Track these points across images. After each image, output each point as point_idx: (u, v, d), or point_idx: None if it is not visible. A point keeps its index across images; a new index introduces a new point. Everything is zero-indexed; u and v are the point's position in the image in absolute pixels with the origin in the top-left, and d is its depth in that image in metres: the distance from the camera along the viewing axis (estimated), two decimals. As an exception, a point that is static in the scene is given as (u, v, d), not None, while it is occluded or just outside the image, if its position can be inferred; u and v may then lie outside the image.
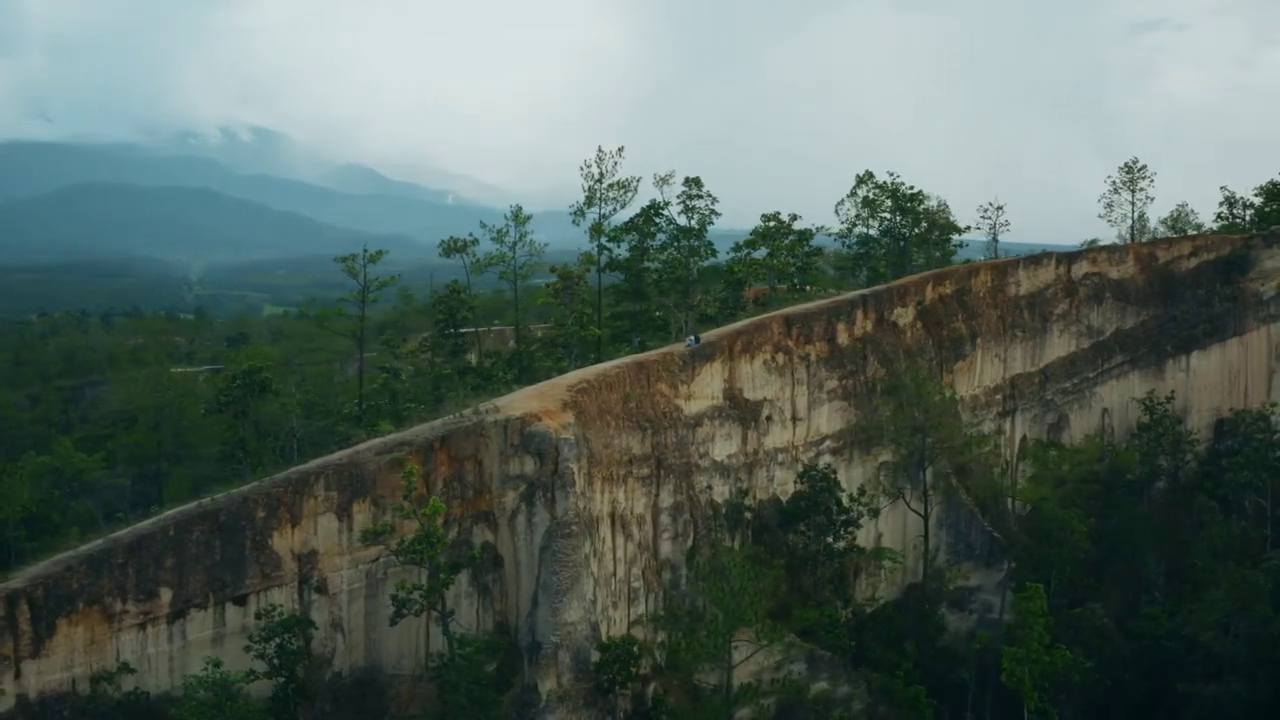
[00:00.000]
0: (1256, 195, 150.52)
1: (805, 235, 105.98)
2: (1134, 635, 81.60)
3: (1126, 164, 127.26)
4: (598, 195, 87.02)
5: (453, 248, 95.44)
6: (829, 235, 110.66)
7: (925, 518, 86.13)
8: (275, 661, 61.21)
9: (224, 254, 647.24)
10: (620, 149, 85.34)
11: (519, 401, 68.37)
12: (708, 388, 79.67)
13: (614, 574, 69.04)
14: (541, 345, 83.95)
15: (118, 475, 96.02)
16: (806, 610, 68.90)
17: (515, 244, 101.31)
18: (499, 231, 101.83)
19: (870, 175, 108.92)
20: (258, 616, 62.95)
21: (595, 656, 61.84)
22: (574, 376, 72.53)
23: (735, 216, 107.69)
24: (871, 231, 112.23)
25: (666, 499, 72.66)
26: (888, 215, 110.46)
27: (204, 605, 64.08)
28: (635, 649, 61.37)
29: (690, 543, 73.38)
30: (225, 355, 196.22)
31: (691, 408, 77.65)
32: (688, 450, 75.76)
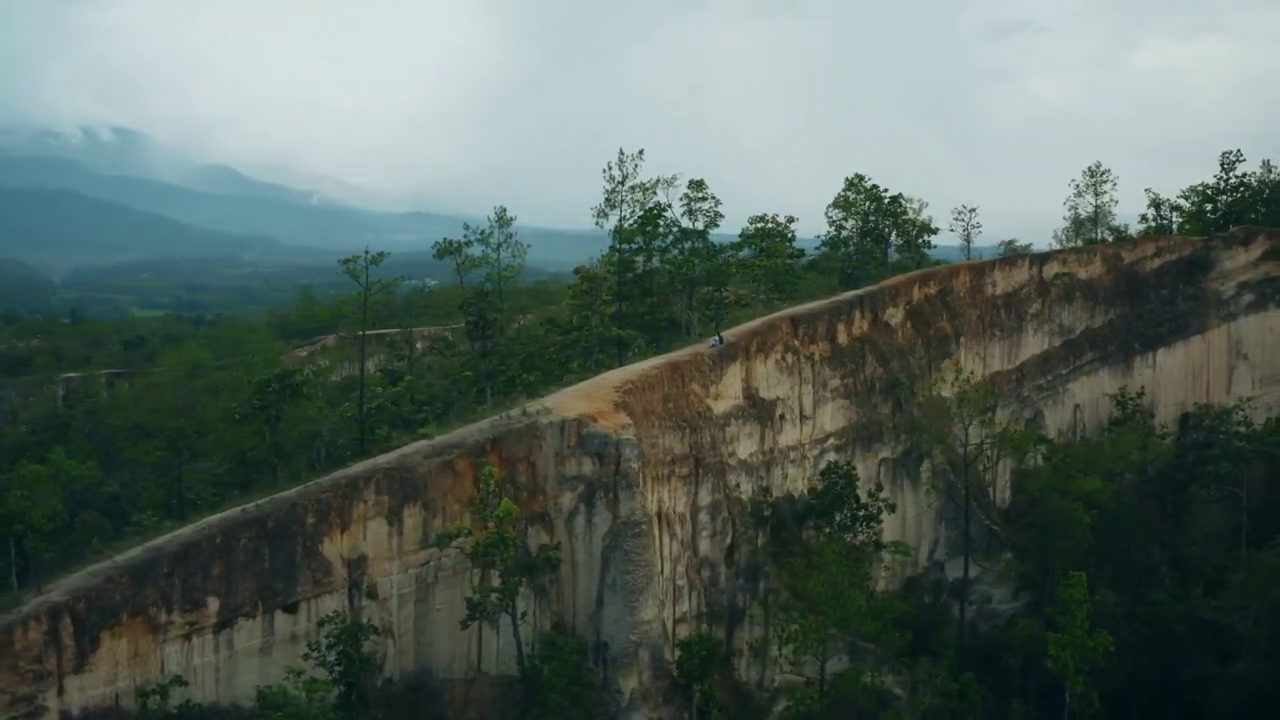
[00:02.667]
0: (1183, 197, 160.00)
1: (788, 236, 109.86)
2: (1143, 621, 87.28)
3: (1090, 168, 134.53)
4: (618, 198, 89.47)
5: (446, 250, 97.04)
6: (816, 238, 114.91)
7: (965, 510, 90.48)
8: (338, 669, 62.17)
9: (87, 256, 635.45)
10: (640, 152, 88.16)
11: (568, 402, 70.51)
12: (731, 388, 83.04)
13: (661, 572, 71.55)
14: (560, 346, 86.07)
15: (111, 483, 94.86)
16: (894, 602, 72.33)
17: (500, 246, 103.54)
18: (484, 234, 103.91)
19: (861, 178, 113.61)
20: (320, 624, 63.88)
21: (667, 654, 64.39)
22: (617, 377, 74.98)
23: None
24: (846, 233, 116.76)
25: (705, 498, 75.56)
26: (873, 217, 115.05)
27: (253, 614, 64.67)
28: (713, 646, 64.05)
29: (729, 540, 76.37)
30: (130, 359, 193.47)
31: (719, 407, 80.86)
32: (720, 449, 78.83)
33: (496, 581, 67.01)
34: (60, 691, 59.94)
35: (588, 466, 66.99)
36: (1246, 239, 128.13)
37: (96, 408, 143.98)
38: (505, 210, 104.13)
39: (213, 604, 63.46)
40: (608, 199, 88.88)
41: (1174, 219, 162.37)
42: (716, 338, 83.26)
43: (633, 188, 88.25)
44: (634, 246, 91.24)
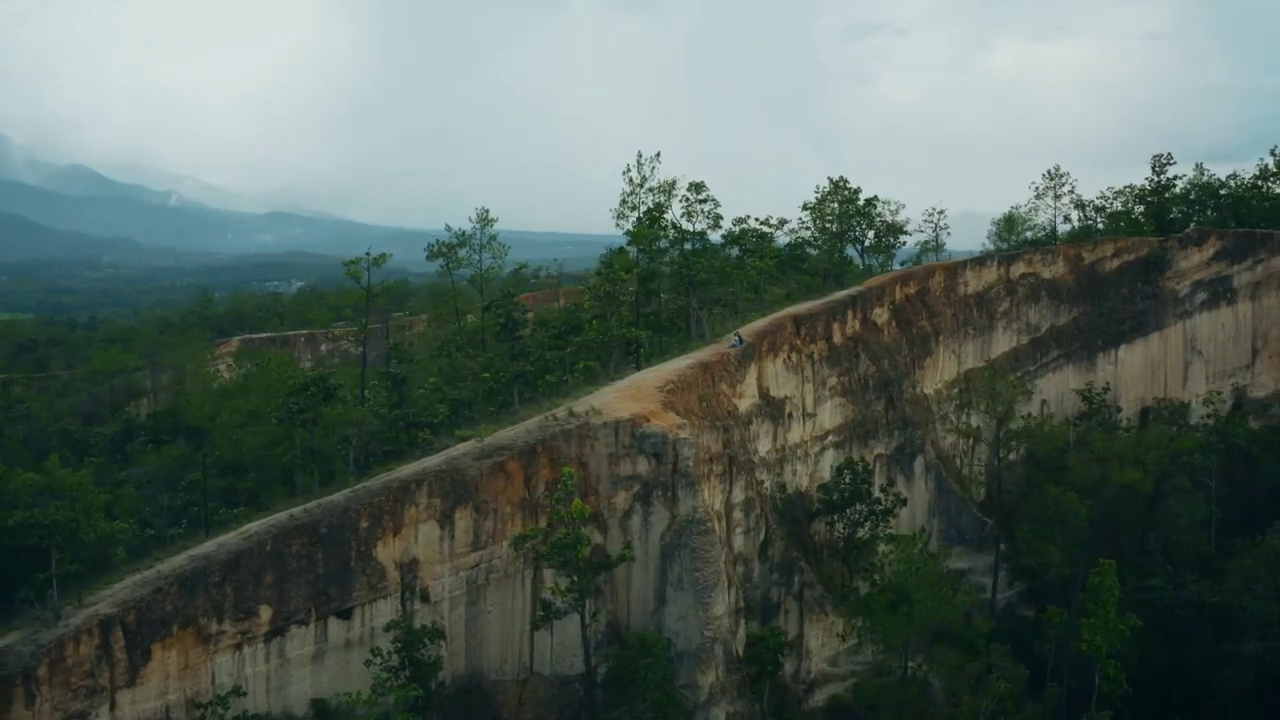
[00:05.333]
0: (1107, 199, 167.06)
1: (768, 238, 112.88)
2: (1145, 606, 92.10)
3: (1049, 171, 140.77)
4: (636, 200, 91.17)
5: (438, 252, 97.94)
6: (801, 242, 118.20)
7: (1000, 502, 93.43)
8: (407, 673, 62.74)
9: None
10: (658, 154, 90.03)
11: (614, 403, 71.99)
12: (750, 387, 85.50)
13: (704, 569, 73.49)
14: (577, 348, 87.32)
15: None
16: (966, 594, 75.47)
17: (482, 247, 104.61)
18: (465, 235, 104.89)
19: (845, 181, 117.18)
20: (388, 628, 64.48)
21: (735, 649, 66.43)
22: (655, 377, 76.67)
23: (466, 218, 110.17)
24: (819, 234, 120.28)
25: (738, 495, 77.70)
26: (835, 220, 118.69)
27: (306, 621, 64.82)
28: (781, 639, 66.34)
29: (763, 536, 78.72)
30: (20, 363, 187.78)
31: (743, 406, 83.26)
32: (747, 448, 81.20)
33: (549, 582, 68.68)
34: (112, 706, 59.43)
35: (643, 466, 68.65)
36: (1200, 239, 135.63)
37: (29, 413, 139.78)
38: (488, 211, 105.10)
39: (265, 612, 63.46)
40: (624, 201, 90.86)
41: (1098, 220, 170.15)
42: (737, 338, 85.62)
43: (649, 190, 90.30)
44: (640, 248, 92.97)
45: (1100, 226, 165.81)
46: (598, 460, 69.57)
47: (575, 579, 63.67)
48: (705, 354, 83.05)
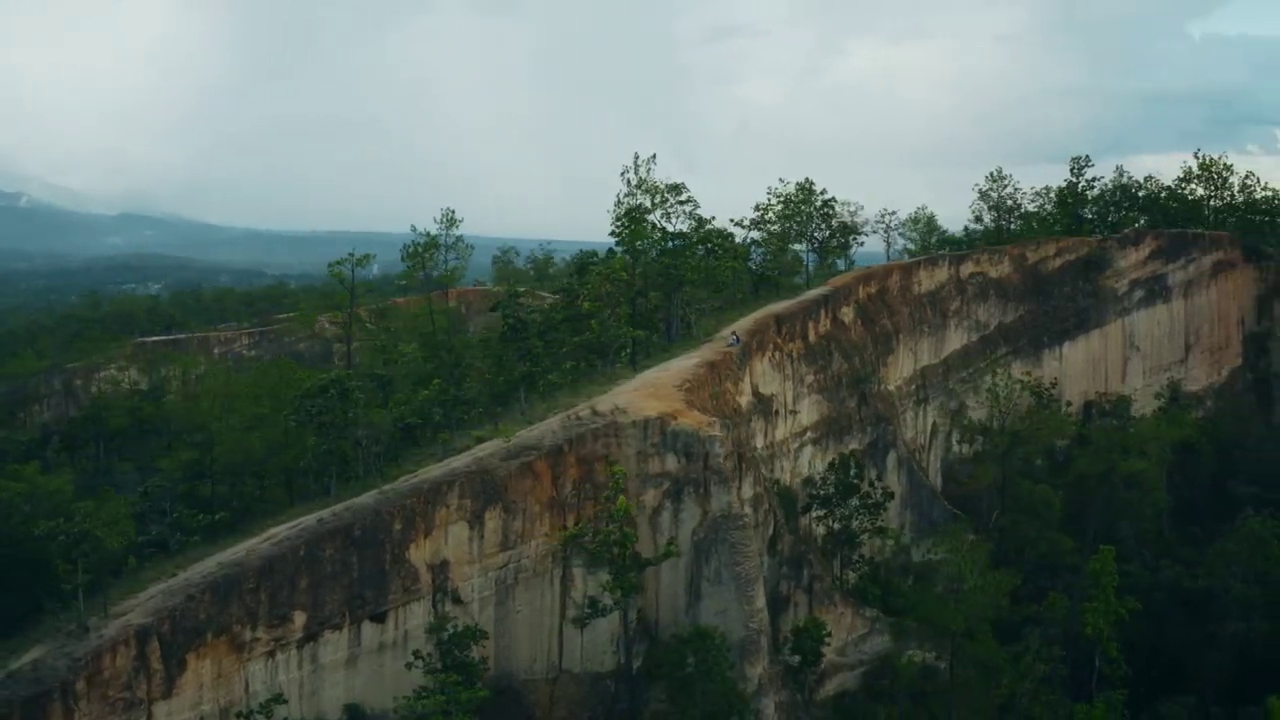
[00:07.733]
0: (1017, 200, 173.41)
1: (728, 236, 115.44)
2: (1124, 591, 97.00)
3: (991, 173, 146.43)
4: (633, 201, 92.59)
5: (414, 254, 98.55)
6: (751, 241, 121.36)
7: (1006, 492, 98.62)
8: (445, 676, 63.47)
9: None
10: (654, 156, 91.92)
11: (637, 401, 73.76)
12: (747, 385, 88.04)
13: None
14: (575, 347, 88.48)
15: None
16: (1006, 576, 79.00)
17: (448, 249, 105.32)
18: (432, 237, 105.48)
19: (811, 183, 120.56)
20: (431, 630, 65.15)
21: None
22: (671, 376, 78.57)
23: (320, 218, 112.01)
24: (759, 235, 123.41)
25: (748, 490, 79.86)
26: (794, 220, 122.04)
27: (339, 625, 65.25)
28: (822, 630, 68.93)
29: (771, 531, 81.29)
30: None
31: (743, 403, 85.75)
32: (751, 444, 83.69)
33: (579, 580, 70.26)
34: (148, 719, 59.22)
35: (672, 464, 70.60)
36: (1137, 240, 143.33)
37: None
38: (453, 212, 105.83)
39: (299, 618, 63.64)
40: (620, 202, 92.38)
41: (1013, 221, 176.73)
42: (734, 337, 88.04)
43: (646, 190, 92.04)
44: (626, 249, 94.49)
45: (1015, 228, 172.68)
46: (626, 458, 71.22)
47: (616, 576, 65.23)
48: (708, 353, 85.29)
